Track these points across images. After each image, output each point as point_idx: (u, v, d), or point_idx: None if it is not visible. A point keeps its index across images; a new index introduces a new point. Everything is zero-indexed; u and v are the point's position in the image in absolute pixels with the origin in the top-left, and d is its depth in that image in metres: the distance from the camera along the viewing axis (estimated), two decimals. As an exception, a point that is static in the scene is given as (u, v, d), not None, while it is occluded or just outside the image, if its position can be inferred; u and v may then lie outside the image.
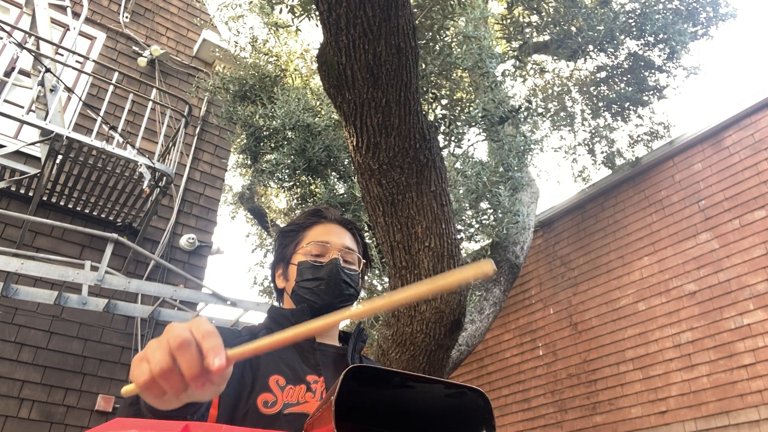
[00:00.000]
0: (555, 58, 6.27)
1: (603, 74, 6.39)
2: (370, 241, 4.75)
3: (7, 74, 5.08)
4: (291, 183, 5.49)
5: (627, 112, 6.41)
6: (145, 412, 0.71)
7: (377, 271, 5.06)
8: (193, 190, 6.00)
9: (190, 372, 0.59)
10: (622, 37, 5.83)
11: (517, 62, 5.74)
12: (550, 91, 6.67)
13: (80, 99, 4.95)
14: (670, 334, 5.58)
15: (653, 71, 6.15)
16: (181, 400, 0.64)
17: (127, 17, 6.38)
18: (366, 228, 4.78)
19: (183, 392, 0.61)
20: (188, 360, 0.59)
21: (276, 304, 1.30)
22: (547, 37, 5.81)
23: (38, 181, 4.65)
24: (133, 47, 6.28)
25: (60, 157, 4.44)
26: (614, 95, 6.28)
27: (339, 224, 1.24)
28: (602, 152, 6.71)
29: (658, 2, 5.96)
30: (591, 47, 5.70)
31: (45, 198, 4.93)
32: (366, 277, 1.27)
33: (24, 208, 4.85)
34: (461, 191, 4.88)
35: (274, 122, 5.09)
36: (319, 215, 1.24)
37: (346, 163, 5.19)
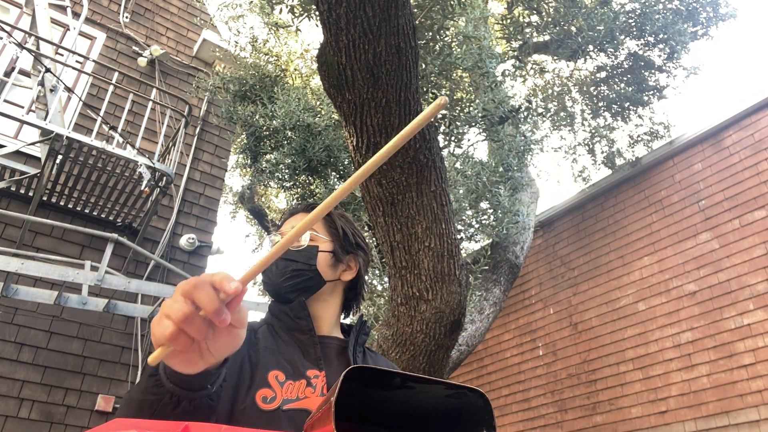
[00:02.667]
0: (555, 58, 6.27)
1: (603, 74, 6.39)
2: (371, 241, 4.75)
3: (7, 74, 5.08)
4: (291, 183, 5.49)
5: (627, 112, 6.41)
6: (165, 383, 0.73)
7: (377, 271, 5.06)
8: (193, 190, 6.00)
9: (210, 306, 0.61)
10: (622, 37, 5.83)
11: (517, 62, 5.74)
12: (550, 91, 6.67)
13: (80, 99, 4.95)
14: (670, 334, 5.58)
15: (653, 71, 6.15)
16: (205, 359, 0.67)
17: (127, 17, 6.38)
18: (366, 228, 4.78)
19: (208, 336, 0.63)
20: (206, 295, 0.61)
21: None
22: (547, 37, 5.81)
23: (38, 181, 4.65)
24: (133, 47, 6.28)
25: (60, 157, 4.44)
26: (614, 95, 6.28)
27: (302, 212, 1.22)
28: (602, 152, 6.71)
29: (658, 2, 5.96)
30: (591, 47, 5.70)
31: (45, 198, 4.93)
32: (336, 250, 1.18)
33: (24, 208, 4.85)
34: (461, 191, 4.88)
35: (274, 122, 5.09)
36: (291, 212, 1.24)
37: (346, 163, 5.19)
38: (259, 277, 1.16)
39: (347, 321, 1.27)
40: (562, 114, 6.50)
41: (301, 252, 1.14)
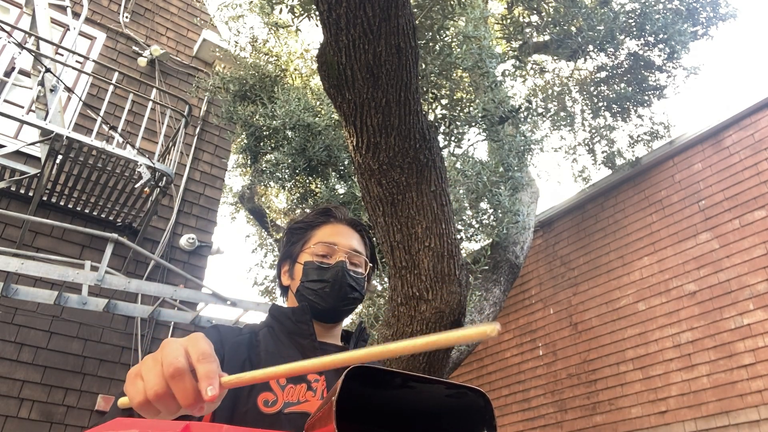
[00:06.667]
0: (555, 58, 6.26)
1: (603, 74, 6.39)
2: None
3: (7, 74, 5.08)
4: (291, 183, 5.49)
5: (627, 112, 6.41)
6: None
7: (377, 271, 5.06)
8: (193, 190, 6.00)
9: (185, 401, 0.59)
10: (622, 37, 5.83)
11: (517, 62, 5.73)
12: (550, 91, 6.67)
13: (80, 99, 4.95)
14: (670, 334, 5.58)
15: (653, 71, 6.15)
16: (174, 415, 0.65)
17: (127, 17, 6.38)
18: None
19: (177, 413, 0.61)
20: (182, 390, 0.58)
21: (281, 300, 1.30)
22: (547, 37, 5.81)
23: (38, 181, 4.65)
24: (133, 47, 6.28)
25: (60, 157, 4.44)
26: (614, 95, 6.27)
27: (348, 225, 1.23)
28: (602, 152, 6.71)
29: (658, 2, 5.96)
30: (591, 47, 5.69)
31: (45, 198, 4.93)
32: (373, 279, 1.27)
33: (24, 208, 4.85)
34: (461, 191, 4.88)
35: (274, 122, 5.09)
36: (329, 214, 1.24)
37: (346, 163, 5.19)
38: (299, 274, 1.17)
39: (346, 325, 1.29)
40: (562, 114, 6.50)
41: (361, 279, 1.19)
